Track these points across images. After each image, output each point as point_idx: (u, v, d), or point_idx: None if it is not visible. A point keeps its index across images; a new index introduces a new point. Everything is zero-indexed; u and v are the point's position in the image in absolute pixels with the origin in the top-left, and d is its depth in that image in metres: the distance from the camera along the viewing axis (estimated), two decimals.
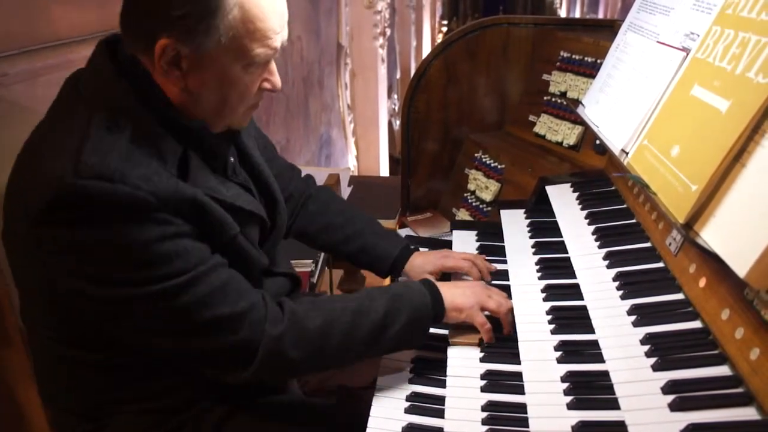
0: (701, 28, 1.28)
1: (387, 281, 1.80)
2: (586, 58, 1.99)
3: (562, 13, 14.70)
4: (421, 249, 1.82)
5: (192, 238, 1.17)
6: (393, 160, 8.50)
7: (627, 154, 1.35)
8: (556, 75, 2.10)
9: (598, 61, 1.94)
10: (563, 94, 2.06)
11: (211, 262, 1.19)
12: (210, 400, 1.36)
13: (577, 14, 12.56)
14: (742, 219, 0.93)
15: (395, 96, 9.33)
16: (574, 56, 2.03)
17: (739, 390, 1.01)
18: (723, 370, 1.05)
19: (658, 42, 1.42)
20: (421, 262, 1.71)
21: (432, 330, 1.45)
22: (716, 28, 1.18)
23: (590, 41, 2.01)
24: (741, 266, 0.89)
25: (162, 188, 1.10)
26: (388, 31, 7.79)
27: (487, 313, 1.44)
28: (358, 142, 7.27)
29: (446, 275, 1.72)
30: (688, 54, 1.27)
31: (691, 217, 1.03)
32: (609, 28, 2.12)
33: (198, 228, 1.18)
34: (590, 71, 1.96)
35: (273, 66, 1.24)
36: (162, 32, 1.10)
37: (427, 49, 12.42)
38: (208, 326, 1.17)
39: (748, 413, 0.97)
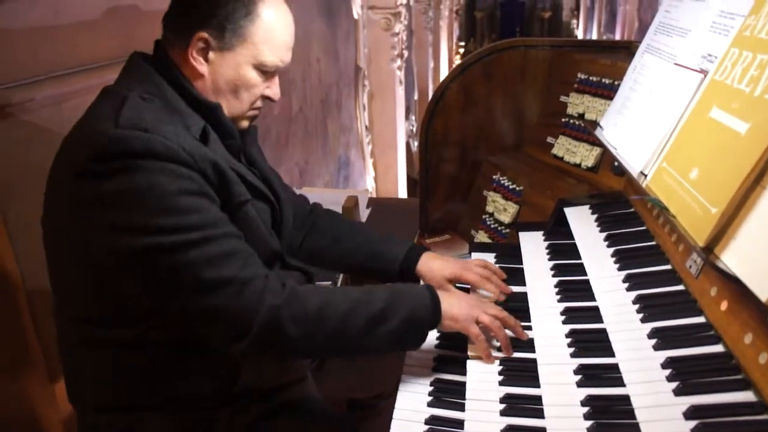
0: (719, 50, 1.28)
1: None
2: (603, 80, 1.99)
3: (579, 33, 14.74)
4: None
5: (212, 201, 1.29)
6: (411, 181, 8.52)
7: (646, 176, 1.34)
8: (574, 97, 2.10)
9: (616, 82, 1.94)
10: (581, 116, 2.06)
11: (225, 229, 1.29)
12: (233, 405, 1.41)
13: (594, 35, 12.57)
14: (763, 242, 0.93)
15: (413, 117, 9.38)
16: (591, 78, 2.04)
17: (765, 417, 0.99)
18: (747, 396, 1.04)
19: (675, 64, 1.42)
20: (440, 266, 1.72)
21: (450, 352, 1.47)
22: (734, 50, 1.18)
23: (607, 63, 2.02)
24: (763, 290, 0.88)
25: (189, 144, 1.27)
26: (406, 53, 7.86)
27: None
28: (376, 163, 7.30)
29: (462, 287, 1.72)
30: (705, 76, 1.27)
31: (711, 240, 1.02)
32: (626, 50, 2.13)
33: (216, 190, 1.31)
34: (608, 93, 1.96)
35: (276, 79, 1.47)
36: (200, 27, 1.35)
37: (444, 71, 12.51)
38: (211, 285, 1.24)
39: None
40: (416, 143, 9.75)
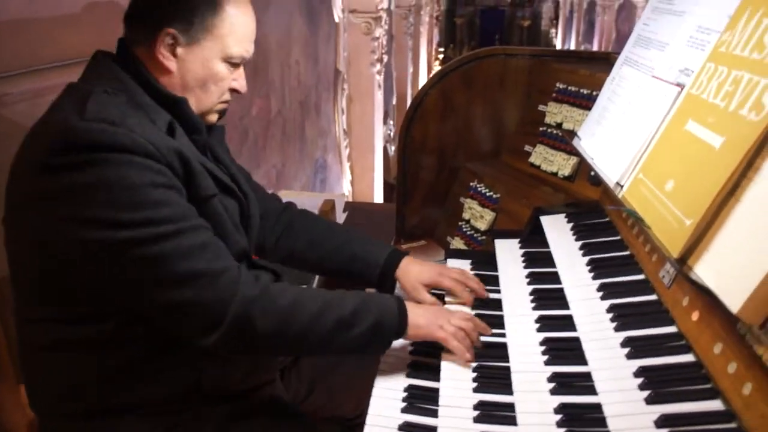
0: (695, 64, 1.30)
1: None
2: (582, 90, 2.01)
3: (558, 42, 14.93)
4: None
5: (179, 194, 1.29)
6: (387, 186, 8.53)
7: (622, 187, 1.36)
8: (552, 106, 2.12)
9: (594, 93, 1.96)
10: (559, 125, 2.08)
11: (195, 221, 1.29)
12: (199, 407, 1.40)
13: (573, 44, 12.74)
14: (735, 255, 0.94)
15: (391, 122, 9.40)
16: (570, 88, 2.06)
17: (732, 425, 1.00)
18: (716, 405, 1.05)
19: (653, 76, 1.44)
20: (418, 271, 1.72)
21: (424, 358, 1.48)
22: (710, 64, 1.20)
23: (586, 73, 2.04)
24: (734, 302, 0.89)
25: (155, 137, 1.26)
26: (386, 58, 7.86)
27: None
28: (353, 167, 7.30)
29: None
30: (682, 89, 1.29)
31: (684, 251, 1.03)
32: (605, 61, 2.16)
33: (183, 182, 1.30)
34: (586, 103, 1.99)
35: (242, 72, 1.48)
36: (167, 23, 1.35)
37: (423, 76, 12.56)
38: (184, 278, 1.24)
39: None
40: (393, 148, 9.76)
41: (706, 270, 0.99)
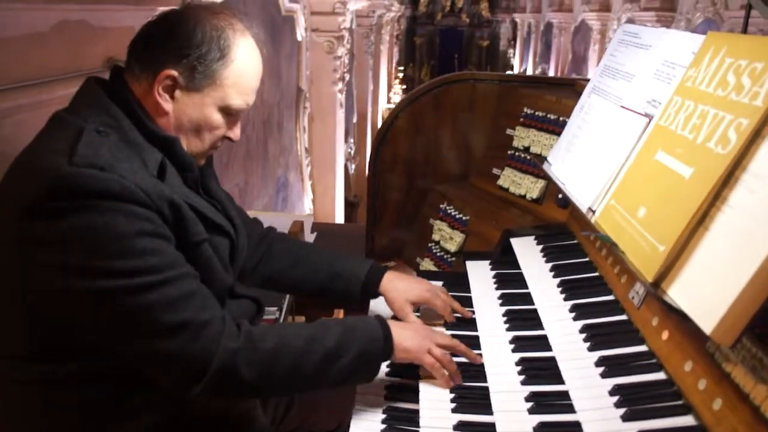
0: (662, 96, 1.37)
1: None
2: (549, 115, 2.09)
3: (516, 62, 15.30)
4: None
5: (168, 242, 1.25)
6: (347, 204, 8.55)
7: (594, 212, 1.42)
8: (520, 130, 2.19)
9: (561, 118, 2.04)
10: (527, 149, 2.15)
11: (182, 270, 1.26)
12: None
13: (530, 64, 13.09)
14: (707, 279, 1.00)
15: (351, 140, 9.45)
16: (537, 113, 2.13)
17: None
18: (688, 420, 1.11)
19: (621, 107, 1.51)
20: (406, 287, 1.72)
21: (401, 380, 1.50)
22: (677, 98, 1.27)
23: (553, 99, 2.12)
24: (707, 324, 0.95)
25: (146, 183, 1.22)
26: (347, 76, 7.92)
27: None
28: (314, 185, 7.31)
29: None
30: (650, 120, 1.36)
31: (658, 276, 1.09)
32: (570, 87, 2.24)
33: (173, 228, 1.27)
34: (553, 128, 2.06)
35: (239, 119, 1.45)
36: (170, 64, 1.31)
37: (383, 94, 12.68)
38: (169, 329, 1.21)
39: None
40: (354, 166, 9.81)
41: (679, 294, 1.04)
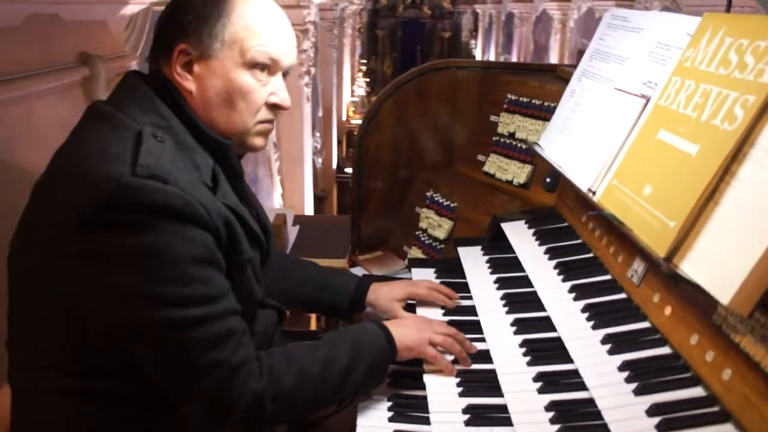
0: (658, 77, 1.40)
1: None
2: (533, 101, 2.10)
3: (478, 53, 15.43)
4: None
5: (219, 270, 1.21)
6: (316, 199, 8.51)
7: (594, 193, 1.44)
8: (504, 116, 2.20)
9: (546, 103, 2.06)
10: (512, 135, 2.16)
11: (227, 304, 1.22)
12: None
13: (492, 55, 13.22)
14: (720, 251, 1.02)
15: (317, 134, 9.39)
16: (521, 99, 2.15)
17: (716, 408, 1.08)
18: (698, 392, 1.13)
19: (616, 89, 1.53)
20: (387, 292, 1.74)
21: (402, 367, 1.51)
22: (676, 78, 1.29)
23: (536, 84, 2.14)
24: (724, 295, 0.97)
25: (205, 199, 1.18)
26: (313, 70, 7.87)
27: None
28: (283, 180, 7.26)
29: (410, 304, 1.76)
30: (647, 101, 1.38)
31: (670, 251, 1.11)
32: (551, 73, 2.26)
33: (225, 248, 1.23)
34: (538, 113, 2.08)
35: (281, 83, 1.33)
36: (178, 38, 1.26)
37: (347, 87, 12.63)
38: (204, 368, 1.18)
39: (727, 429, 1.04)
40: (320, 160, 9.76)
41: (693, 267, 1.06)
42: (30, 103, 2.24)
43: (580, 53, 1.88)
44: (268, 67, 1.29)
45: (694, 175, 1.10)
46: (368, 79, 14.99)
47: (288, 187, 7.37)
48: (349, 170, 11.76)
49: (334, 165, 11.13)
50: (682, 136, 1.18)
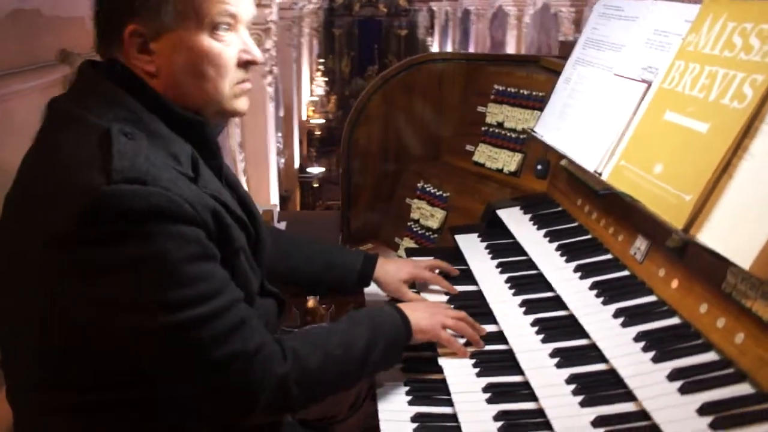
0: (659, 62, 1.47)
1: None
2: (521, 91, 2.16)
3: (435, 50, 15.55)
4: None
5: (215, 262, 1.17)
6: (281, 198, 8.48)
7: (600, 174, 1.50)
8: (492, 107, 2.26)
9: (533, 93, 2.12)
10: (500, 125, 2.22)
11: (231, 296, 1.19)
12: None
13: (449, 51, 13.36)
14: (738, 221, 1.09)
15: (279, 134, 9.35)
16: (509, 89, 2.21)
17: (730, 370, 1.15)
18: (711, 356, 1.20)
19: (615, 74, 1.60)
20: (395, 269, 1.76)
21: (414, 353, 1.55)
22: (680, 62, 1.36)
23: (523, 75, 2.20)
24: (745, 260, 1.04)
25: (189, 193, 1.12)
26: (275, 69, 7.83)
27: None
28: (249, 180, 7.22)
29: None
30: (649, 85, 1.45)
31: (687, 223, 1.18)
32: (535, 63, 2.33)
33: (216, 240, 1.18)
34: (526, 102, 2.14)
35: (248, 38, 1.25)
36: (125, 19, 1.15)
37: (305, 86, 12.57)
38: (220, 364, 1.16)
39: (743, 389, 1.11)
40: (282, 160, 9.72)
41: (711, 237, 1.13)
42: (11, 102, 2.20)
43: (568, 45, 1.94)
44: (229, 25, 1.21)
45: (707, 151, 1.16)
46: (327, 78, 14.97)
47: (254, 188, 7.32)
48: (311, 170, 11.75)
49: (297, 165, 11.08)
50: (690, 116, 1.25)
